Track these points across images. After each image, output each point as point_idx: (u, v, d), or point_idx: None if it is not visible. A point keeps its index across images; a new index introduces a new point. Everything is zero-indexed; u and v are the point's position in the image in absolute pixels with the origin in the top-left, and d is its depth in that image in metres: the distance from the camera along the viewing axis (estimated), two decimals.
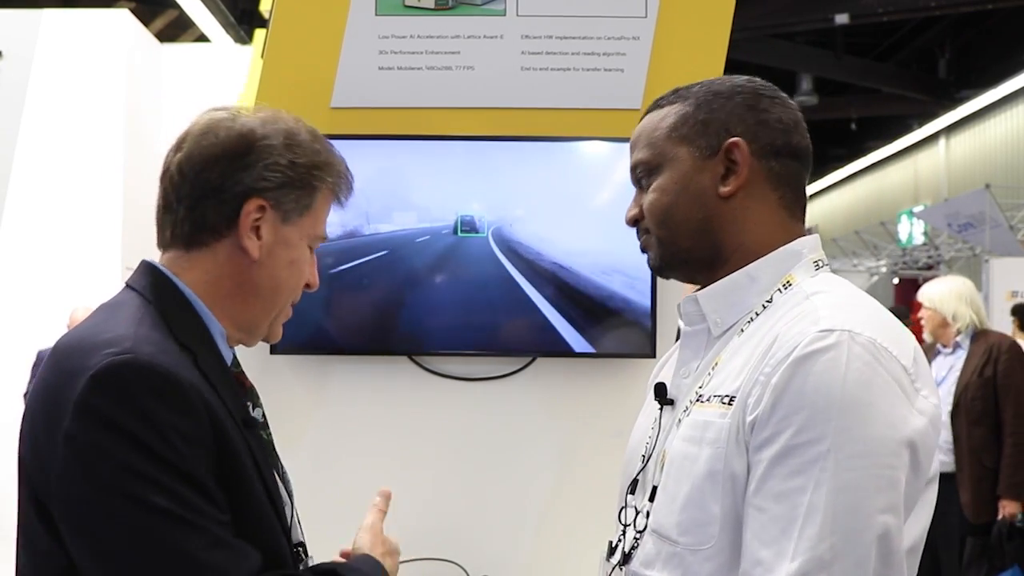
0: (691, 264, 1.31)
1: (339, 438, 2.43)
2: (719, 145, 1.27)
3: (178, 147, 1.28)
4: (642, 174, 1.32)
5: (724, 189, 1.26)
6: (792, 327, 1.15)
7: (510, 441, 2.42)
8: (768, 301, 1.24)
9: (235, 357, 1.36)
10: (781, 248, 1.27)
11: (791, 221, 1.29)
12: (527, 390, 2.42)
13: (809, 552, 1.06)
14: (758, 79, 1.34)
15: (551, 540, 2.40)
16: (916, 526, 1.15)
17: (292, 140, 1.30)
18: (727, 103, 1.30)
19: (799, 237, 1.29)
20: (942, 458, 4.44)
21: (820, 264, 1.28)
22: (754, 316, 1.24)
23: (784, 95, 1.34)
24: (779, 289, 1.24)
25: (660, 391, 1.32)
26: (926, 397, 1.14)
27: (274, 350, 2.34)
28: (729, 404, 1.17)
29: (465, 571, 2.33)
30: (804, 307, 1.18)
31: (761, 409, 1.12)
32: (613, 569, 1.31)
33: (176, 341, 1.20)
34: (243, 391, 1.35)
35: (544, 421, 2.43)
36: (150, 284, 1.26)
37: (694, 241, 1.29)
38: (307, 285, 1.37)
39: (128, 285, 1.28)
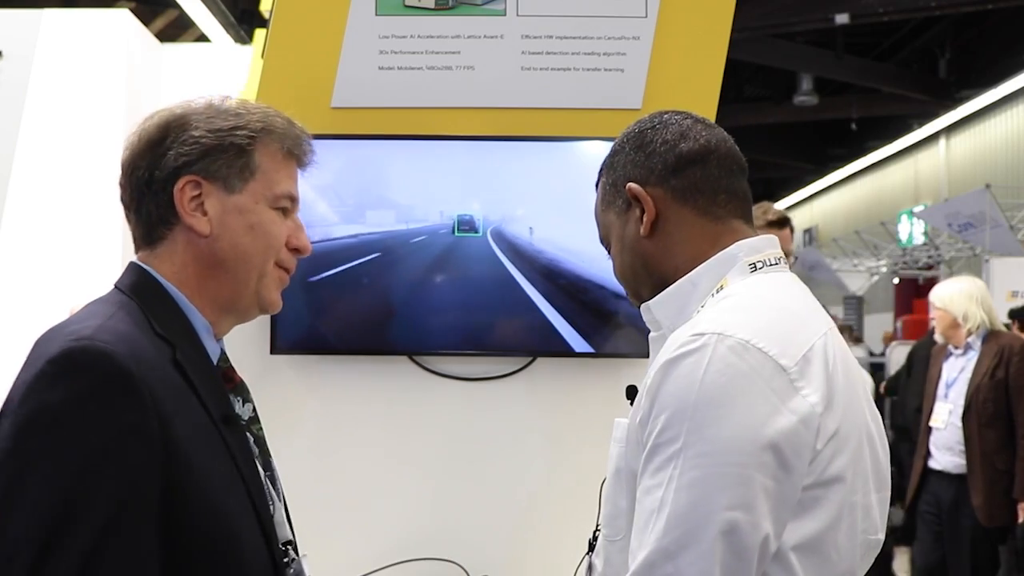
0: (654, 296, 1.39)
1: (339, 438, 2.43)
2: (627, 195, 1.37)
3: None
4: (608, 249, 1.45)
5: (643, 230, 1.35)
6: (679, 332, 1.23)
7: (510, 441, 2.42)
8: (702, 306, 1.30)
9: (223, 352, 1.36)
10: (720, 252, 1.32)
11: (717, 223, 1.35)
12: (527, 390, 2.42)
13: (656, 543, 1.13)
14: (644, 117, 1.42)
15: (551, 539, 2.40)
16: (808, 525, 1.17)
17: (212, 111, 1.31)
18: (620, 157, 1.40)
19: (735, 233, 1.34)
20: (955, 460, 4.35)
21: (758, 266, 1.32)
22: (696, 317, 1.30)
23: (671, 115, 1.39)
24: (712, 294, 1.30)
25: (630, 392, 1.40)
26: (805, 396, 1.16)
27: (274, 350, 2.34)
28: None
29: (465, 571, 2.33)
30: (702, 314, 1.26)
31: (643, 410, 1.20)
32: (583, 557, 1.45)
33: (156, 334, 1.22)
34: (231, 386, 1.35)
35: (544, 421, 2.43)
36: (133, 282, 1.29)
37: (646, 286, 1.38)
38: (297, 250, 1.36)
39: (115, 285, 1.31)
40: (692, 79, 2.40)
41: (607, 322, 2.35)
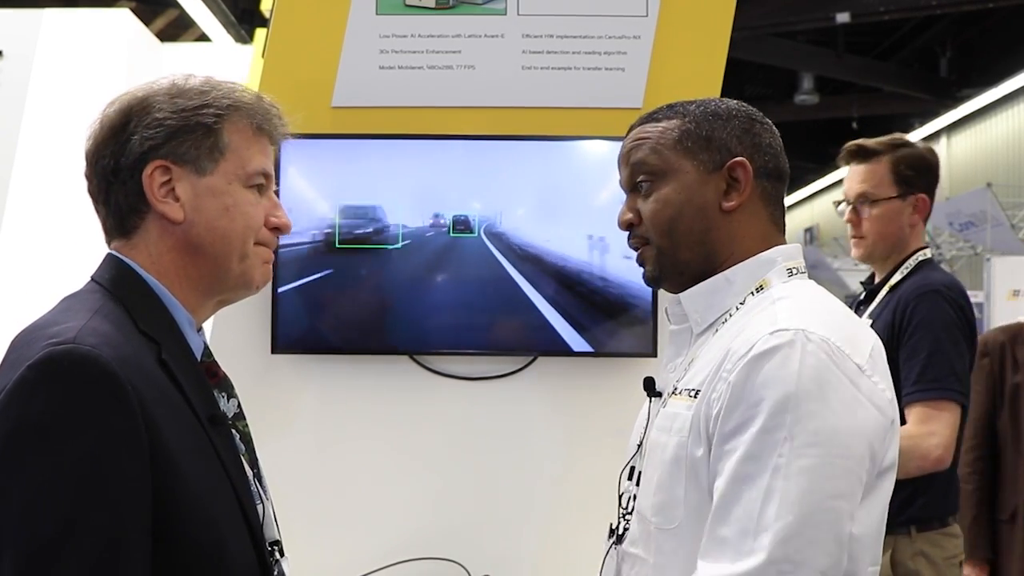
0: (686, 275, 1.40)
1: (340, 437, 2.43)
2: (722, 162, 1.36)
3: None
4: (645, 179, 1.39)
5: (728, 204, 1.36)
6: (752, 328, 1.26)
7: (511, 440, 2.42)
8: (741, 303, 1.34)
9: (206, 347, 1.30)
10: (757, 255, 1.37)
11: (776, 234, 1.41)
12: (528, 389, 2.41)
13: (771, 530, 1.15)
14: (747, 106, 1.44)
15: (552, 539, 2.40)
16: (871, 513, 1.24)
17: (175, 91, 1.25)
18: (726, 124, 1.39)
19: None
20: None
21: (794, 271, 1.37)
22: (728, 317, 1.34)
23: (770, 122, 1.44)
24: (752, 292, 1.34)
25: (649, 385, 1.43)
26: (882, 390, 1.25)
27: (275, 349, 2.34)
28: (694, 397, 1.27)
29: (466, 570, 2.33)
30: (768, 311, 1.28)
31: (722, 403, 1.22)
32: (609, 549, 1.43)
33: (140, 332, 1.18)
34: (215, 381, 1.30)
35: (545, 420, 2.43)
36: (113, 276, 1.24)
37: (693, 253, 1.38)
38: (277, 229, 1.31)
39: (92, 278, 1.26)
40: (693, 78, 2.40)
41: (608, 321, 2.35)
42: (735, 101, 1.44)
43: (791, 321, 1.23)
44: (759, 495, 1.16)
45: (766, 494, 1.16)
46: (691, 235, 1.37)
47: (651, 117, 1.42)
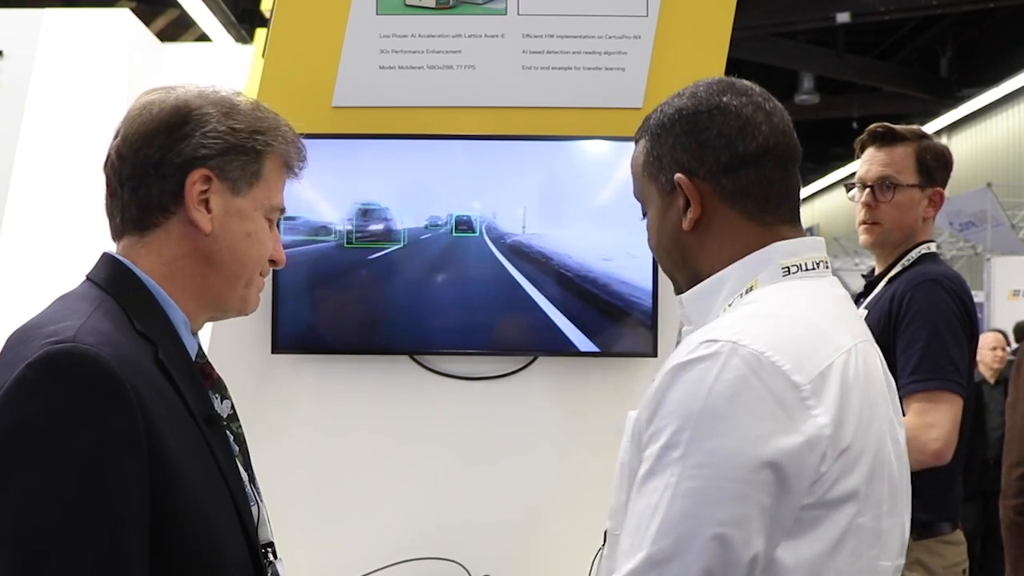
0: (690, 287, 1.35)
1: (340, 437, 2.43)
2: (673, 181, 1.29)
3: (116, 133, 1.27)
4: (643, 211, 1.39)
5: (685, 224, 1.29)
6: (695, 335, 1.20)
7: (512, 440, 2.42)
8: (730, 305, 1.26)
9: (200, 348, 1.31)
10: (753, 253, 1.27)
11: (762, 228, 1.28)
12: (529, 389, 2.41)
13: (647, 549, 1.10)
14: (701, 89, 1.35)
15: (553, 538, 2.39)
16: (805, 546, 1.13)
17: (230, 108, 1.28)
18: (669, 135, 1.31)
19: (778, 237, 1.28)
20: None
21: (792, 269, 1.26)
22: (717, 318, 1.25)
23: (731, 98, 1.32)
24: (741, 294, 1.26)
25: None
26: (815, 416, 1.12)
27: (275, 349, 2.34)
28: None
29: (467, 570, 2.33)
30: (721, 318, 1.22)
31: (647, 411, 1.18)
32: (598, 551, 1.44)
33: (136, 332, 1.18)
34: (209, 382, 1.31)
35: (545, 420, 2.43)
36: (109, 275, 1.24)
37: (682, 272, 1.34)
38: (274, 261, 1.34)
39: (88, 278, 1.25)
40: (693, 78, 2.36)
41: (609, 321, 2.35)
42: (689, 91, 1.35)
43: (729, 331, 1.16)
44: (649, 512, 1.12)
45: (654, 511, 1.11)
46: (673, 258, 1.34)
47: (636, 136, 1.39)
